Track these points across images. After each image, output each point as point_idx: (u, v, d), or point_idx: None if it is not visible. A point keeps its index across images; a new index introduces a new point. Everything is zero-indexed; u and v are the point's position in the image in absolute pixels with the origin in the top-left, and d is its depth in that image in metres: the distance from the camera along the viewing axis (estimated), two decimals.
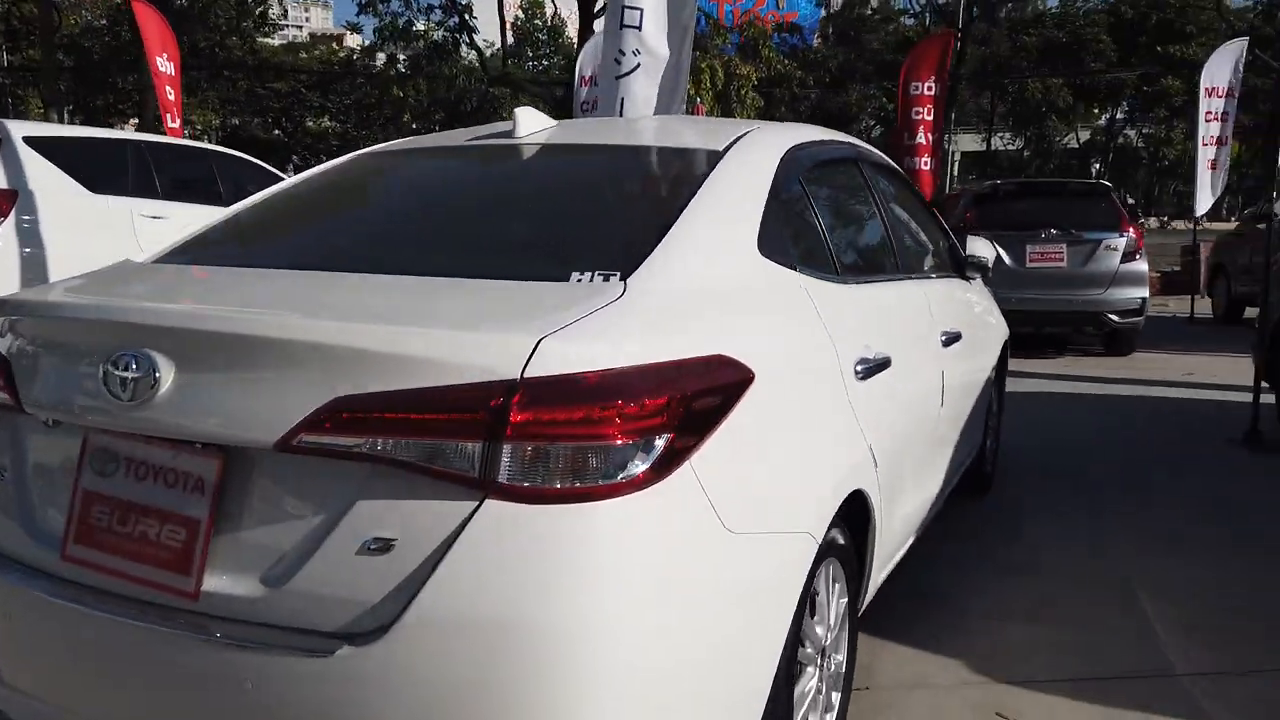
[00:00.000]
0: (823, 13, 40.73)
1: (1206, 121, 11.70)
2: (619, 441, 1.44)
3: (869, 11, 37.72)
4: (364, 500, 1.47)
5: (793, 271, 2.11)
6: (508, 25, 25.09)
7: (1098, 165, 46.25)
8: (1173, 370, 7.96)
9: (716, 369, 1.64)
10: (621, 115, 4.90)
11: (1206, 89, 11.62)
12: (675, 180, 2.22)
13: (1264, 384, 5.45)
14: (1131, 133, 45.80)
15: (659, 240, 1.86)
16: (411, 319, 1.59)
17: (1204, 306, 12.47)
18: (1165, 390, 7.16)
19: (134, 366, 1.58)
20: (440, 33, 20.36)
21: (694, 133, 2.75)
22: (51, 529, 1.74)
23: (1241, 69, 11.79)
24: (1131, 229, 8.49)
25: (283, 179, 9.55)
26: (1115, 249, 8.29)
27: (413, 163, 2.69)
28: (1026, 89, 37.87)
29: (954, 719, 2.50)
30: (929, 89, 11.02)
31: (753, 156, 2.28)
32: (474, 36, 20.02)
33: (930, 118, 10.99)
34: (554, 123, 2.61)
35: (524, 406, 1.41)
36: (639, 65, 4.85)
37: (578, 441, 1.43)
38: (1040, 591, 3.32)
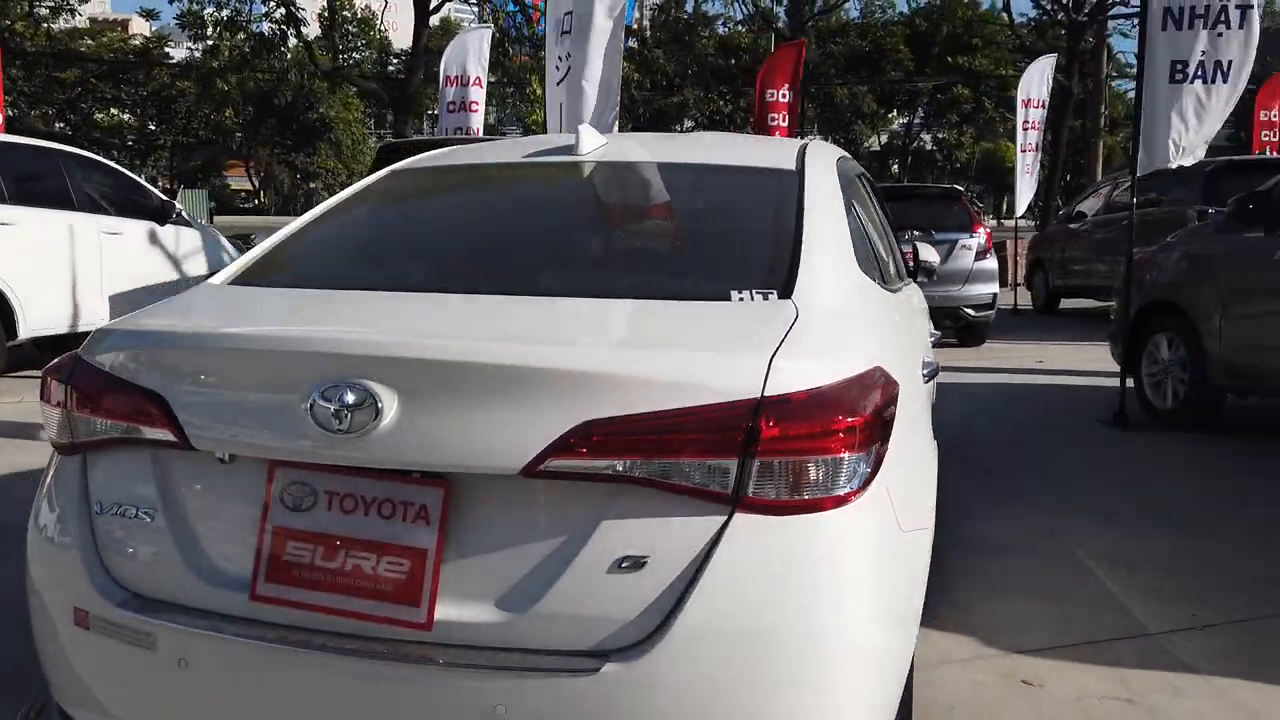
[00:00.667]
0: (636, 14, 41.54)
1: (1024, 130, 12.85)
2: (845, 453, 1.56)
3: (684, 16, 38.81)
4: (609, 520, 1.52)
5: (876, 283, 2.29)
6: (314, 17, 24.23)
7: (895, 167, 49.45)
8: (1023, 359, 8.74)
9: (885, 381, 1.78)
10: (561, 122, 4.96)
11: (1023, 100, 12.77)
12: (772, 198, 2.33)
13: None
14: (926, 136, 49.22)
15: (793, 259, 1.98)
16: (638, 343, 1.65)
17: (1024, 299, 13.72)
18: (1025, 378, 7.89)
19: (350, 399, 1.55)
20: (266, 25, 19.47)
21: (750, 149, 2.87)
22: (227, 569, 1.68)
23: (1050, 82, 13.03)
24: (982, 229, 9.26)
25: (137, 180, 8.96)
26: (969, 248, 9.02)
27: (492, 179, 2.68)
28: (835, 95, 39.97)
29: (989, 688, 2.75)
30: (784, 96, 11.57)
31: (823, 174, 2.43)
32: (301, 29, 19.23)
33: (785, 124, 11.54)
34: (606, 139, 2.67)
35: (771, 423, 1.50)
36: (570, 70, 4.94)
37: (814, 455, 1.53)
38: (1004, 567, 3.65)
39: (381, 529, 1.59)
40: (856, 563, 1.59)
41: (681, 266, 2.10)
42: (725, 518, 1.50)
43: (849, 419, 1.56)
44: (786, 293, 1.85)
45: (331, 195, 2.55)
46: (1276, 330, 5.07)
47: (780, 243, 2.06)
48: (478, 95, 11.12)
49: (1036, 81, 12.85)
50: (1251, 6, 5.64)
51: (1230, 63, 5.56)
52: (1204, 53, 5.60)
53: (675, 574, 1.49)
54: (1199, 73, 5.62)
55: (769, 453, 1.50)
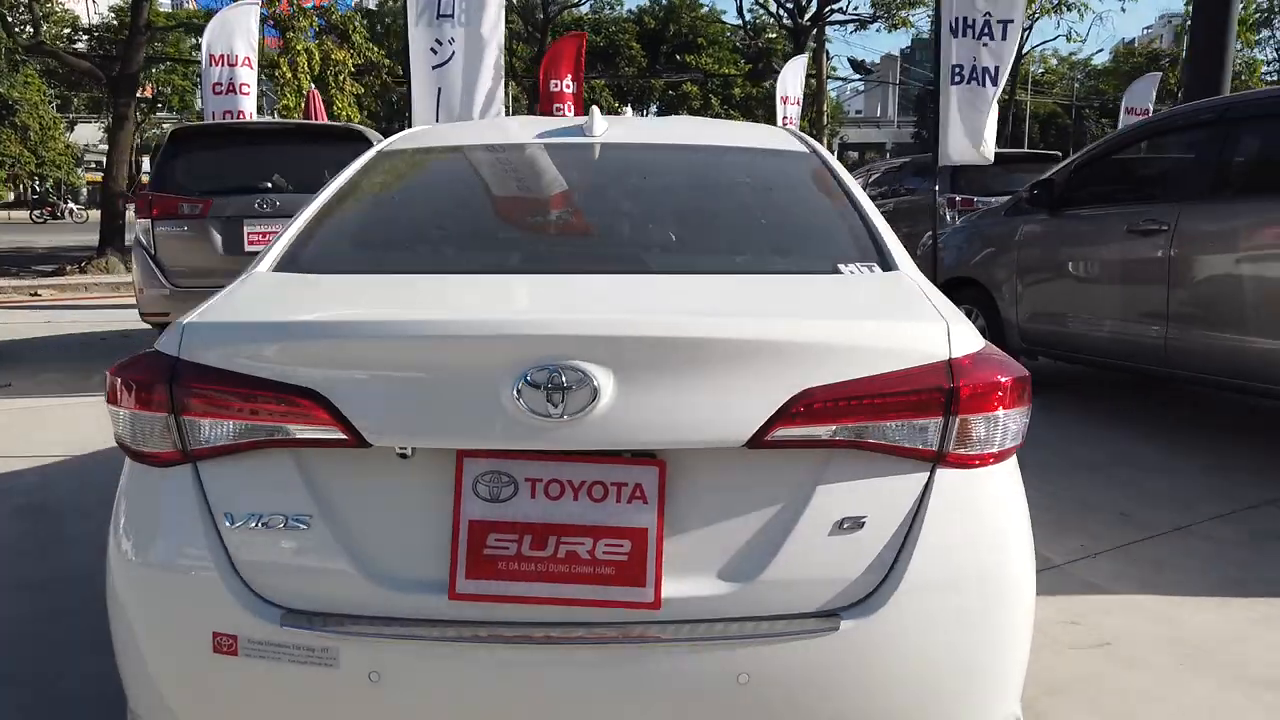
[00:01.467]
0: None
1: (784, 125, 13.81)
2: (1016, 408, 1.70)
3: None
4: (824, 484, 1.59)
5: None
6: None
7: None
8: None
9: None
10: (439, 107, 4.81)
11: (781, 97, 13.71)
12: (809, 176, 2.45)
13: None
14: None
15: (869, 234, 2.11)
16: (831, 313, 1.71)
17: None
18: None
19: (566, 382, 1.51)
20: None
21: (747, 131, 2.96)
22: (413, 570, 1.58)
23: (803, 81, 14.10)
24: None
25: None
26: None
27: (536, 160, 2.59)
28: None
29: None
30: (568, 86, 11.67)
31: (831, 156, 2.59)
32: None
33: (571, 113, 11.65)
34: (611, 121, 2.68)
35: (965, 383, 1.63)
36: (454, 55, 4.80)
37: (996, 410, 1.67)
38: None
39: (595, 512, 1.56)
40: (1022, 509, 1.74)
41: (768, 244, 2.17)
42: (929, 474, 1.61)
43: (1016, 376, 1.70)
44: (887, 266, 1.98)
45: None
46: (1061, 299, 5.85)
47: (847, 219, 2.18)
48: (248, 77, 10.32)
49: (792, 81, 13.83)
50: (1011, 21, 6.44)
51: (996, 69, 6.38)
52: (975, 58, 6.38)
53: (892, 531, 1.58)
54: (972, 75, 6.39)
55: (966, 410, 1.62)
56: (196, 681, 1.63)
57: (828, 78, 27.49)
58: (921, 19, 28.14)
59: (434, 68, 4.88)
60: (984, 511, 1.65)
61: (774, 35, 35.38)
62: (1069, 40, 43.46)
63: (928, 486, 1.61)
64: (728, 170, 2.55)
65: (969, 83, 6.39)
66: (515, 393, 1.52)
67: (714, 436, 1.55)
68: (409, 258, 2.15)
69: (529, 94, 22.90)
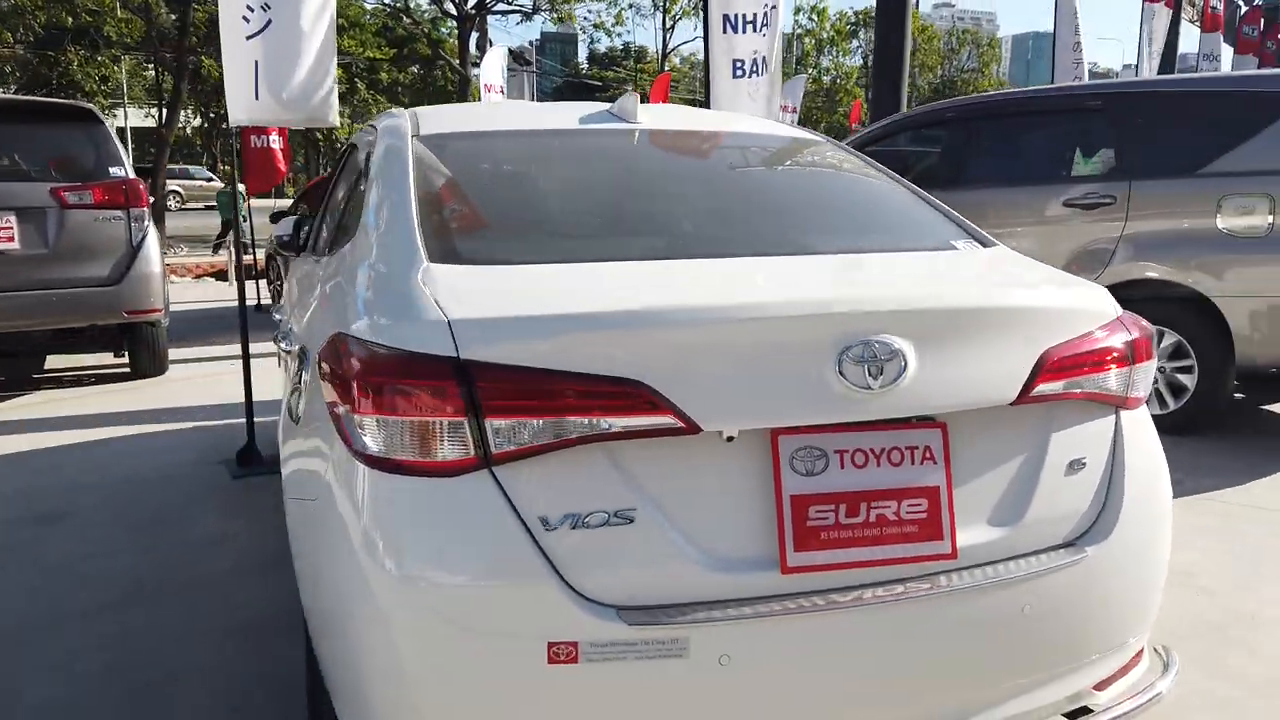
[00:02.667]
0: None
1: None
2: (1155, 360, 2.03)
3: None
4: (1055, 433, 1.82)
5: None
6: None
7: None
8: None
9: None
10: (258, 82, 4.38)
11: (486, 86, 13.60)
12: (850, 162, 2.63)
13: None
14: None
15: (944, 213, 2.37)
16: (1036, 283, 1.92)
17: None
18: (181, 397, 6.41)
19: (882, 355, 1.61)
20: None
21: (762, 121, 3.03)
22: (741, 550, 1.60)
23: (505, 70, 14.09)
24: None
25: None
26: None
27: (613, 147, 2.51)
28: (204, 66, 37.05)
29: None
30: None
31: (840, 144, 2.81)
32: None
33: None
34: (647, 108, 2.70)
35: (1139, 338, 1.93)
36: (270, 23, 4.36)
37: (1150, 359, 1.96)
38: None
39: (895, 476, 1.67)
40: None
41: (880, 224, 2.33)
42: (1116, 417, 1.90)
43: (1151, 330, 2.02)
44: (984, 243, 2.25)
45: None
46: None
47: (919, 200, 2.42)
48: None
49: (494, 68, 13.79)
50: (776, 7, 6.97)
51: (768, 58, 6.90)
52: (755, 51, 6.87)
53: (1102, 468, 1.85)
54: (753, 69, 6.88)
55: (1138, 360, 1.92)
56: (528, 698, 1.52)
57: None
58: (581, 10, 29.10)
59: (248, 38, 4.40)
60: (1150, 445, 1.96)
61: (413, 21, 34.67)
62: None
63: (1117, 428, 1.89)
64: (787, 156, 2.66)
65: (751, 76, 6.83)
66: (838, 368, 1.59)
67: (990, 397, 1.72)
68: (585, 246, 2.07)
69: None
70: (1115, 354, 1.87)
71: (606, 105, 2.75)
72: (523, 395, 1.52)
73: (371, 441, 1.57)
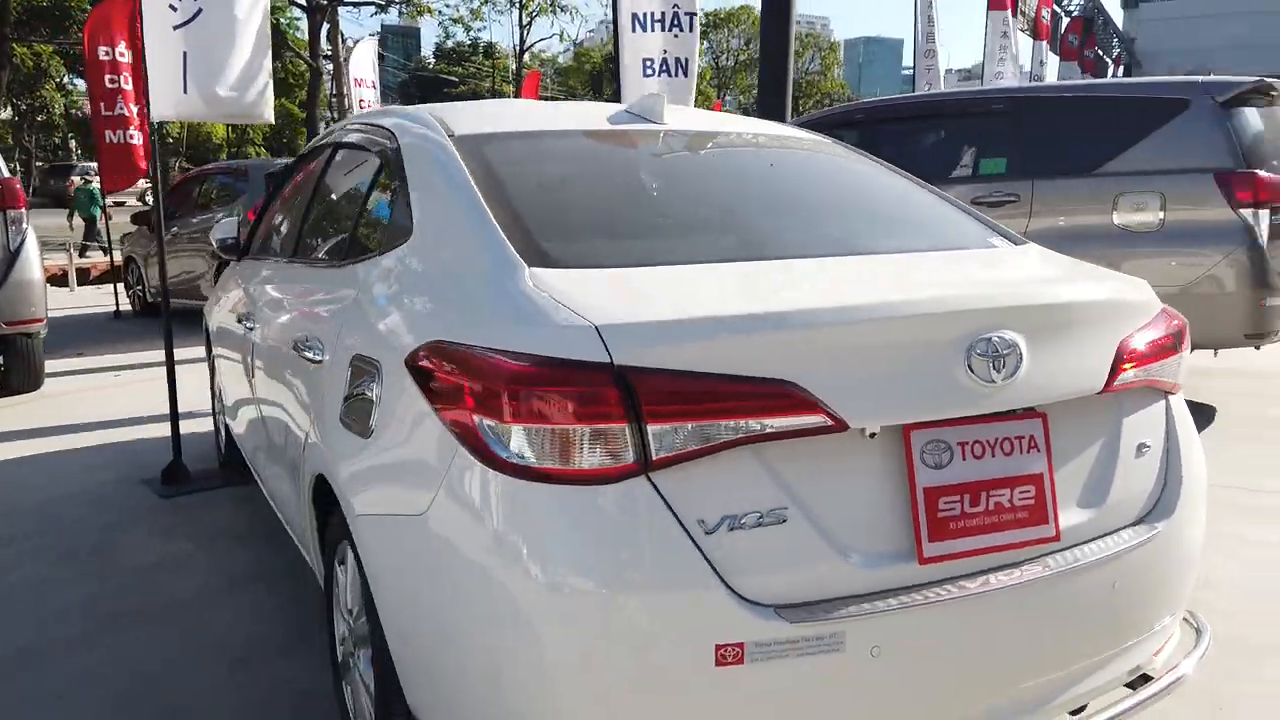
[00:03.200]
0: None
1: (360, 108, 13.28)
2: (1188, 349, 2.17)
3: None
4: (1125, 419, 1.94)
5: None
6: None
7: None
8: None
9: None
10: (186, 75, 4.13)
11: (356, 80, 13.19)
12: (862, 163, 2.70)
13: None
14: None
15: (966, 213, 2.48)
16: (1100, 276, 2.03)
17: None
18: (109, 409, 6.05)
19: (1004, 350, 1.68)
20: None
21: (771, 124, 3.04)
22: (879, 544, 1.64)
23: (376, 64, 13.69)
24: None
25: None
26: None
27: (652, 148, 2.48)
28: (15, 54, 34.33)
29: None
30: (122, 54, 10.11)
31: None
32: None
33: (131, 86, 10.12)
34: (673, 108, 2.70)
35: (1182, 327, 2.07)
36: (200, 12, 4.11)
37: (1186, 350, 2.10)
38: None
39: (1007, 465, 1.74)
40: None
41: (920, 223, 2.38)
42: (1166, 403, 2.04)
43: (1185, 321, 2.17)
44: (1015, 241, 2.36)
45: None
46: None
47: (940, 199, 2.51)
48: None
49: (362, 62, 13.37)
50: (694, 14, 7.08)
51: (685, 60, 6.99)
52: (666, 51, 6.94)
53: (1161, 450, 1.98)
54: (664, 68, 6.95)
55: (1181, 348, 2.06)
56: (698, 703, 1.51)
57: (345, 60, 26.71)
58: (439, 4, 28.42)
59: (175, 28, 4.12)
60: (1191, 428, 2.11)
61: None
62: (561, 40, 46.54)
63: (1169, 412, 2.03)
64: (817, 156, 2.69)
65: (661, 75, 6.89)
66: (967, 364, 1.66)
67: (1082, 386, 1.82)
68: (673, 247, 2.05)
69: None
70: (1169, 343, 2.01)
71: (622, 106, 2.73)
72: (682, 399, 1.51)
73: (521, 452, 1.52)
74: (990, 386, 1.68)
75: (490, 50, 51.18)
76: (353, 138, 2.94)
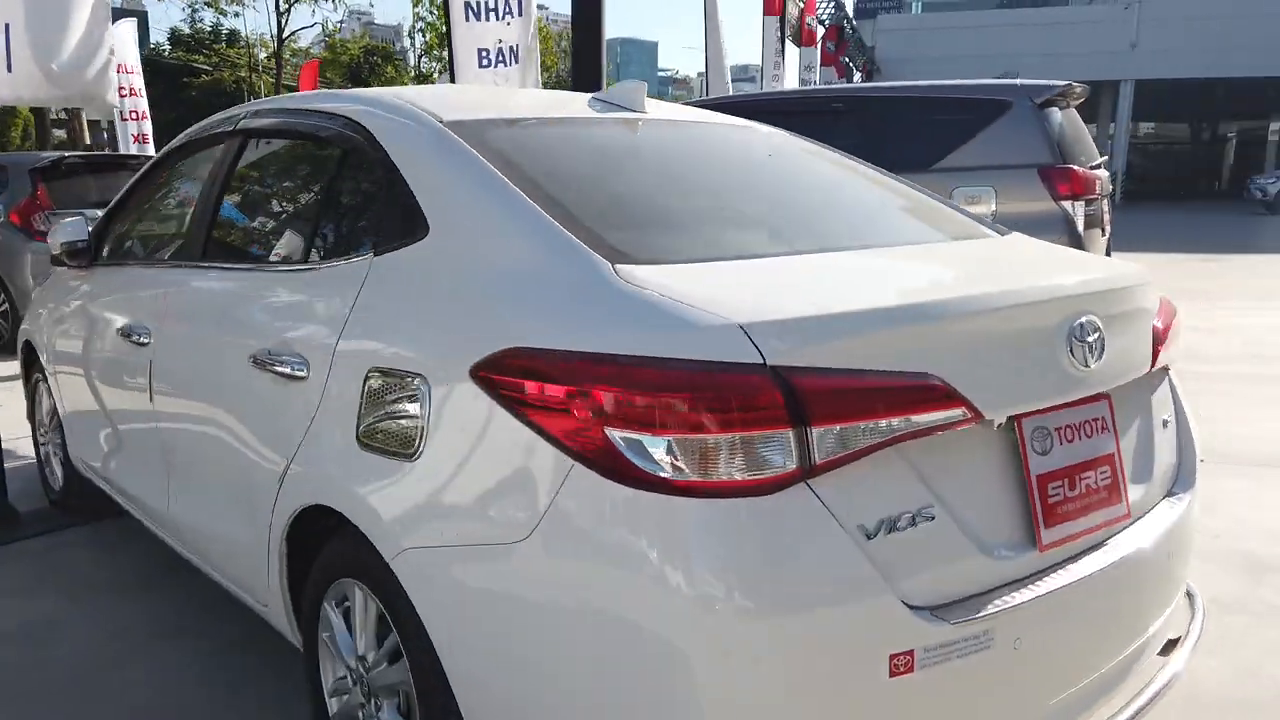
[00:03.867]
0: None
1: (122, 98, 11.99)
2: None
3: None
4: (1152, 396, 2.05)
5: None
6: None
7: None
8: None
9: None
10: (9, 49, 3.55)
11: (118, 66, 11.89)
12: (840, 157, 2.69)
13: None
14: None
15: (950, 205, 2.54)
16: (1117, 264, 2.11)
17: None
18: None
19: (1097, 336, 1.73)
20: None
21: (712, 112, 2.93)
22: (1003, 534, 1.63)
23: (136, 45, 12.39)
24: None
25: None
26: None
27: (664, 137, 2.36)
28: None
29: None
30: None
31: None
32: None
33: None
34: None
35: (1174, 311, 2.21)
36: None
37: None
38: None
39: (1089, 447, 1.78)
40: None
41: (920, 213, 2.38)
42: (1169, 380, 2.17)
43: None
44: (1004, 234, 2.44)
45: None
46: None
47: (915, 188, 2.56)
48: None
49: (127, 44, 12.05)
50: None
51: (517, 46, 6.79)
52: (501, 40, 6.72)
53: (1175, 425, 2.11)
54: (500, 58, 6.73)
55: (1179, 329, 2.20)
56: (873, 717, 1.43)
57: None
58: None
59: None
60: (1183, 401, 2.26)
61: None
62: (324, 30, 43.90)
63: (1173, 389, 2.17)
64: (799, 151, 2.60)
65: (498, 65, 6.64)
66: (1069, 349, 1.68)
67: (1137, 368, 1.90)
68: (740, 239, 1.95)
69: None
70: (1174, 322, 2.14)
71: (593, 94, 2.58)
72: (843, 398, 1.43)
73: (670, 464, 1.39)
74: (1084, 371, 1.72)
75: (234, 38, 47.85)
76: (277, 125, 2.61)
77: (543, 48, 39.43)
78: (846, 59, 28.15)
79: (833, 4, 28.41)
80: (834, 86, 7.47)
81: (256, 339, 2.22)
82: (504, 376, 1.58)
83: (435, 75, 38.07)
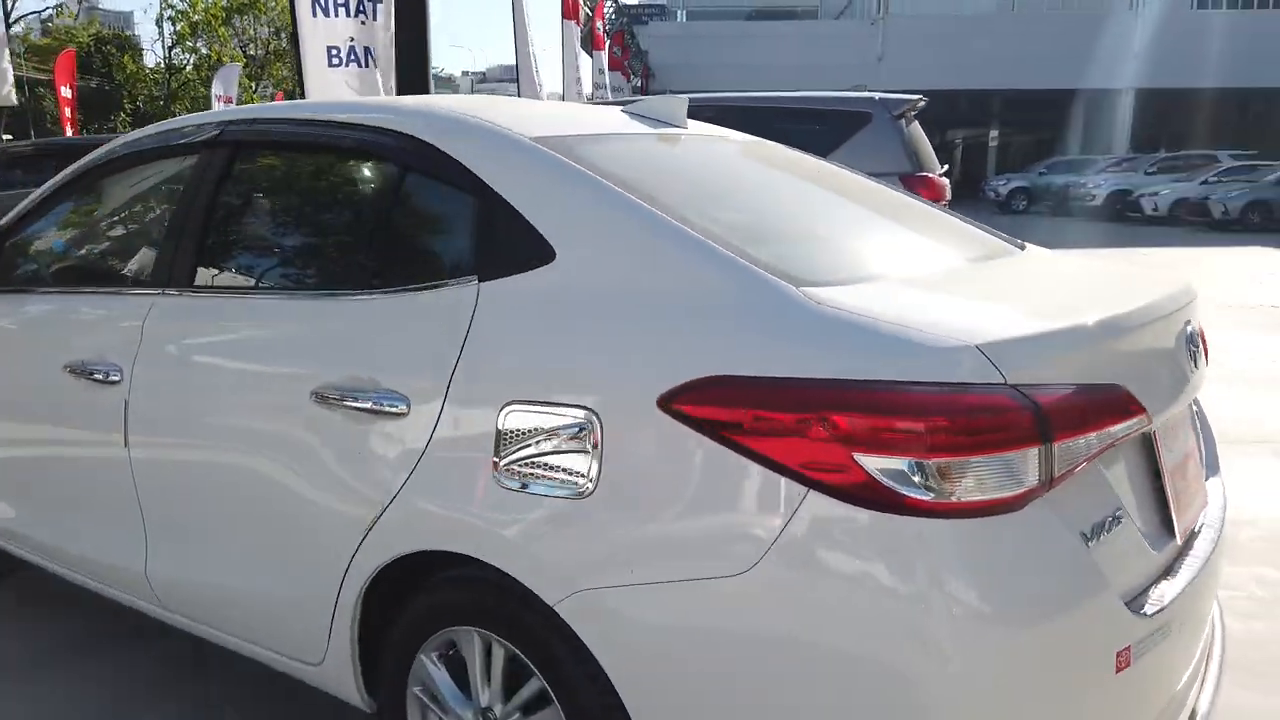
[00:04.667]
0: None
1: None
2: None
3: None
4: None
5: None
6: None
7: None
8: None
9: None
10: None
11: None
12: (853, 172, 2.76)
13: None
14: None
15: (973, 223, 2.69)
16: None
17: None
18: None
19: (1196, 340, 1.90)
20: None
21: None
22: (1150, 527, 1.76)
23: None
24: None
25: None
26: None
27: (719, 155, 2.28)
28: None
29: None
30: None
31: None
32: None
33: None
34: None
35: None
36: None
37: None
38: None
39: (1185, 441, 1.96)
40: None
41: (961, 226, 2.48)
42: None
43: None
44: (1021, 248, 2.60)
45: None
46: None
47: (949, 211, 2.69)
48: None
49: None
50: (381, 1, 6.56)
51: (374, 48, 6.47)
52: (353, 39, 6.37)
53: (1199, 415, 2.35)
54: (352, 57, 6.38)
55: None
56: (1103, 713, 1.52)
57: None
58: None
59: None
60: None
61: None
62: (58, 15, 39.02)
63: None
64: (823, 167, 2.66)
65: (350, 64, 6.26)
66: (1189, 355, 1.84)
67: (1202, 365, 2.09)
68: (861, 259, 1.98)
69: None
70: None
71: (628, 108, 2.50)
72: (1072, 413, 1.51)
73: (925, 487, 1.41)
74: (1195, 374, 1.89)
75: None
76: (283, 138, 2.36)
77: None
78: (628, 63, 28.75)
79: (614, 9, 28.91)
80: (704, 95, 7.62)
81: (317, 373, 2.01)
82: (707, 406, 1.53)
83: (187, 68, 35.34)
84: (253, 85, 34.20)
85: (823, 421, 1.45)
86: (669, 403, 1.56)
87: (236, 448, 2.16)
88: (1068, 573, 1.49)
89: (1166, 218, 22.11)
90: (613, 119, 2.38)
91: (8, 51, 3.15)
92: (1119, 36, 32.24)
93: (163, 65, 36.04)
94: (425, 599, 1.92)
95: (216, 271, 2.39)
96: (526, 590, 1.71)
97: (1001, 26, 34.81)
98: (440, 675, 1.94)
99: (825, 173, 2.60)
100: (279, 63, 35.24)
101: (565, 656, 1.70)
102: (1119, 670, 1.53)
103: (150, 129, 2.71)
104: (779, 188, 2.34)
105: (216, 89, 15.88)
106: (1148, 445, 1.78)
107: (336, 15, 6.29)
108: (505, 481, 1.73)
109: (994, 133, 46.96)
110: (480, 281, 1.86)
